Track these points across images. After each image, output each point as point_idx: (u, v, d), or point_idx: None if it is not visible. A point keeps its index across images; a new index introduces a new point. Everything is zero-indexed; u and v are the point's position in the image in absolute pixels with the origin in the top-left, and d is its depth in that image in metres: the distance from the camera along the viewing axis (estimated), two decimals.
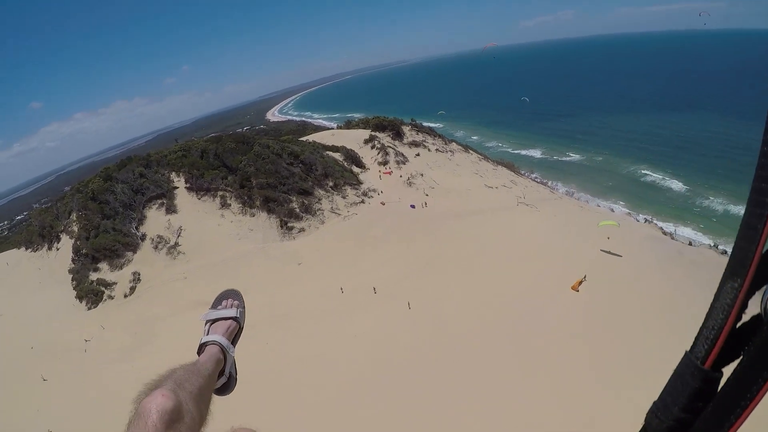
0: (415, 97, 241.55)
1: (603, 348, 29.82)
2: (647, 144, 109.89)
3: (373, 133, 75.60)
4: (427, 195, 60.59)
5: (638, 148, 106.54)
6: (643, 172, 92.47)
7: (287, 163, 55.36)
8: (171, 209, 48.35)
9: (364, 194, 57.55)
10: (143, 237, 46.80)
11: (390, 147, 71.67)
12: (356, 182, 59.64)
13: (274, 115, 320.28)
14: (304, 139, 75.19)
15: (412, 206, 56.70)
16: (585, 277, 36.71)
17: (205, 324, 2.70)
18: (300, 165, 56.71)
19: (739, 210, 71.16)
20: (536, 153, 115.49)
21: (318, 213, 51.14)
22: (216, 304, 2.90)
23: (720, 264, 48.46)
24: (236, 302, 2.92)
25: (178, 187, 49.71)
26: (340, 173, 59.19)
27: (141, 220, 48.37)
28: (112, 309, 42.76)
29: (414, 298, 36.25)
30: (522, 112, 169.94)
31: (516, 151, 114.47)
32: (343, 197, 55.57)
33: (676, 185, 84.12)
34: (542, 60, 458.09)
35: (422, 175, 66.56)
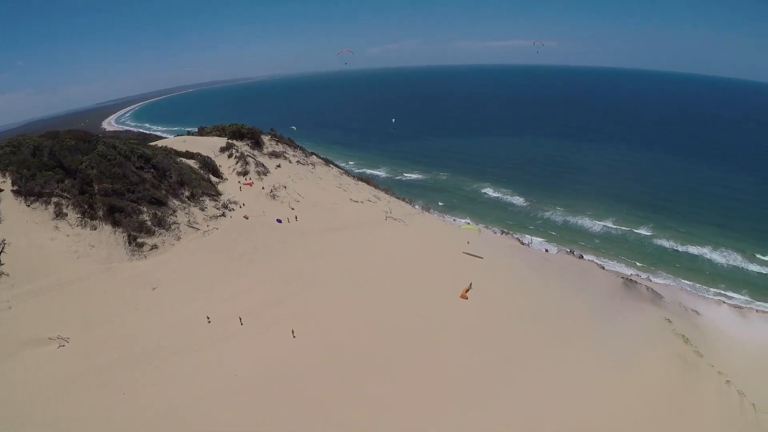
0: (262, 114, 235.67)
1: (501, 351, 30.77)
2: (487, 165, 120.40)
3: (230, 141, 69.39)
4: (293, 209, 56.61)
5: (479, 169, 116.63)
6: (485, 190, 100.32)
7: (137, 167, 47.44)
8: None
9: (225, 206, 51.66)
10: None
11: (249, 156, 66.13)
12: (215, 193, 53.43)
13: (110, 125, 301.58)
14: (153, 144, 66.56)
15: (279, 221, 52.31)
16: (471, 284, 38.49)
17: None
18: (152, 170, 49.11)
19: (577, 220, 78.95)
20: (381, 172, 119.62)
21: (173, 227, 44.14)
22: None
23: (582, 267, 51.22)
24: None
25: (2, 190, 39.45)
26: (198, 182, 52.61)
27: None
28: None
29: (298, 323, 32.25)
30: (367, 133, 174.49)
31: (361, 170, 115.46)
32: (202, 209, 49.15)
33: (518, 201, 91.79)
34: (386, 85, 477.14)
35: (285, 187, 62.22)
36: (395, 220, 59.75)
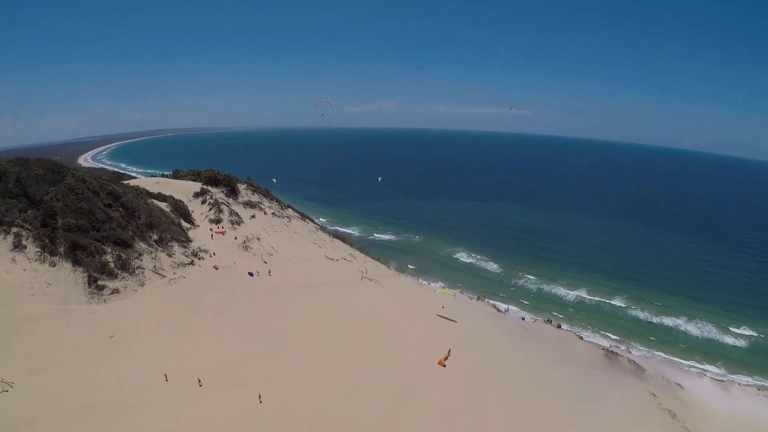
0: (239, 163, 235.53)
1: (481, 427, 29.23)
2: (461, 229, 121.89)
3: (204, 187, 67.46)
4: (265, 262, 54.40)
5: (452, 233, 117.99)
6: (458, 254, 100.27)
7: (105, 204, 44.93)
8: None
9: (194, 254, 49.24)
10: None
11: (224, 204, 64.20)
12: (185, 239, 51.09)
13: (86, 161, 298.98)
14: (125, 182, 64.11)
15: (251, 274, 49.95)
16: (449, 351, 37.18)
17: None
18: (120, 209, 46.62)
19: (551, 289, 78.80)
20: (354, 231, 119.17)
21: (137, 271, 41.31)
22: None
23: (561, 337, 50.15)
24: None
25: None
26: (167, 226, 50.22)
27: None
28: None
29: (265, 386, 29.48)
30: (340, 191, 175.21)
31: (334, 228, 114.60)
32: (169, 255, 46.59)
33: (492, 266, 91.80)
34: (365, 146, 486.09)
35: (259, 239, 60.22)
36: (371, 280, 58.29)
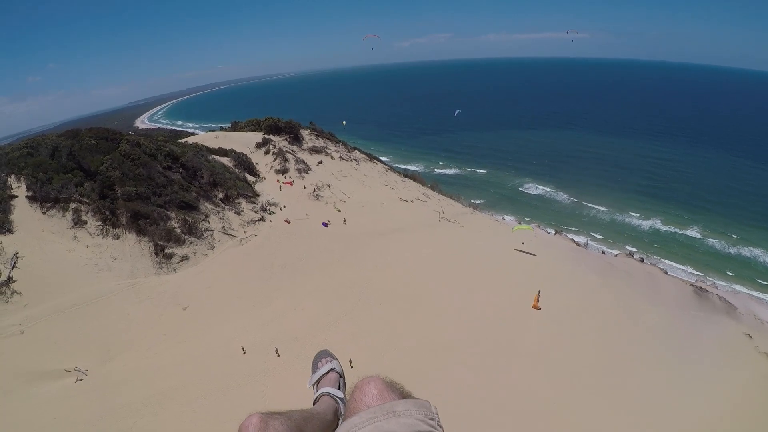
0: (295, 109, 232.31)
1: (581, 378, 26.48)
2: (525, 160, 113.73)
3: (266, 136, 64.14)
4: (339, 210, 50.94)
5: (516, 165, 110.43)
6: (526, 186, 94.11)
7: (164, 167, 42.42)
8: (4, 227, 33.44)
9: (264, 209, 46.34)
10: None
11: (288, 152, 60.76)
12: (252, 194, 48.17)
13: (143, 123, 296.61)
14: (182, 141, 61.84)
15: (325, 224, 46.66)
16: (539, 292, 34.92)
17: (313, 386, 3.09)
18: (181, 170, 44.07)
19: (624, 218, 72.11)
20: (417, 167, 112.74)
21: (206, 234, 38.86)
22: (314, 368, 3.25)
23: (647, 273, 45.18)
24: (328, 358, 3.31)
25: (17, 196, 34.80)
26: (232, 182, 47.34)
27: None
28: None
29: (354, 350, 26.27)
30: (398, 128, 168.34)
31: (396, 166, 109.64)
32: (238, 213, 43.87)
33: (562, 197, 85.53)
34: (416, 80, 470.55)
35: (329, 186, 56.63)
36: (448, 220, 53.96)
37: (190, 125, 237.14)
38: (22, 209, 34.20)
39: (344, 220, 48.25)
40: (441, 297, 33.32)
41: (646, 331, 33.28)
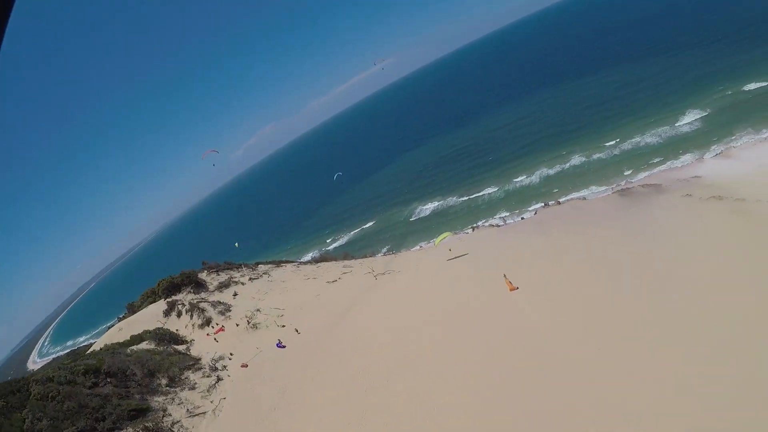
0: (180, 259, 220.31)
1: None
2: (397, 191, 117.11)
3: (169, 300, 59.43)
4: (283, 326, 47.87)
5: (392, 198, 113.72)
6: (417, 210, 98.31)
7: (90, 387, 37.32)
8: None
9: (213, 369, 42.19)
10: None
11: (200, 302, 56.60)
12: (193, 361, 43.76)
13: (35, 363, 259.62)
14: (88, 353, 55.46)
15: (280, 345, 43.44)
16: (505, 275, 37.06)
17: None
18: (109, 380, 38.83)
19: (515, 185, 79.47)
20: (314, 252, 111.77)
21: (175, 429, 34.06)
22: None
23: (574, 207, 47.95)
24: None
25: None
26: (167, 362, 42.68)
27: None
28: None
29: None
30: (282, 225, 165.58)
31: (300, 260, 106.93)
32: (192, 388, 39.24)
33: (452, 201, 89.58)
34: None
35: (259, 310, 53.28)
36: (383, 274, 53.41)
37: (82, 338, 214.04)
38: None
39: (296, 330, 45.37)
40: (424, 347, 32.91)
41: (609, 244, 36.69)
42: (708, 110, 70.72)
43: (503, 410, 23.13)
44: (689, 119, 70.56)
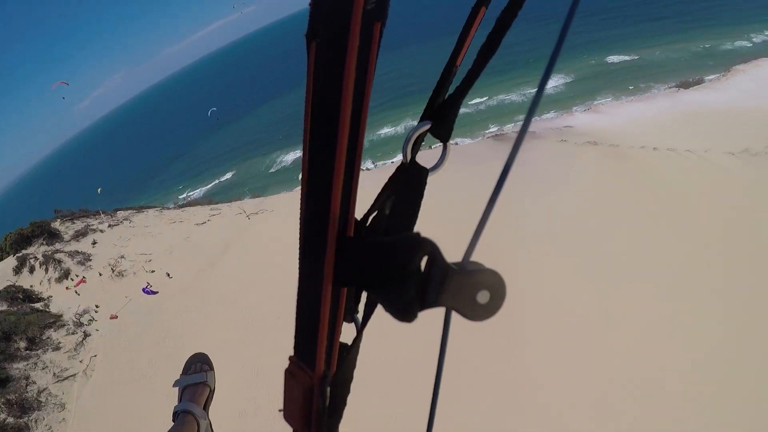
0: (27, 211, 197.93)
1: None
2: (265, 135, 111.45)
3: (19, 255, 53.88)
4: (152, 271, 45.22)
5: (258, 147, 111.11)
6: (279, 159, 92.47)
7: None
8: None
9: (78, 324, 39.31)
10: None
11: (57, 253, 51.90)
12: (54, 318, 40.44)
13: None
14: None
15: (149, 291, 41.13)
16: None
17: (179, 390, 2.82)
18: None
19: (378, 138, 77.22)
20: (175, 201, 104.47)
21: (44, 397, 31.68)
22: (185, 370, 3.04)
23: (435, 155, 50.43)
24: (205, 366, 3.11)
25: None
26: (24, 322, 39.08)
27: None
28: None
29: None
30: (148, 175, 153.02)
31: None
32: (56, 349, 36.52)
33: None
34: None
35: (123, 257, 49.80)
36: (256, 213, 52.22)
37: None
38: None
39: (167, 274, 43.16)
40: None
41: (491, 181, 35.65)
42: (572, 76, 76.96)
43: None
44: (554, 83, 75.33)
